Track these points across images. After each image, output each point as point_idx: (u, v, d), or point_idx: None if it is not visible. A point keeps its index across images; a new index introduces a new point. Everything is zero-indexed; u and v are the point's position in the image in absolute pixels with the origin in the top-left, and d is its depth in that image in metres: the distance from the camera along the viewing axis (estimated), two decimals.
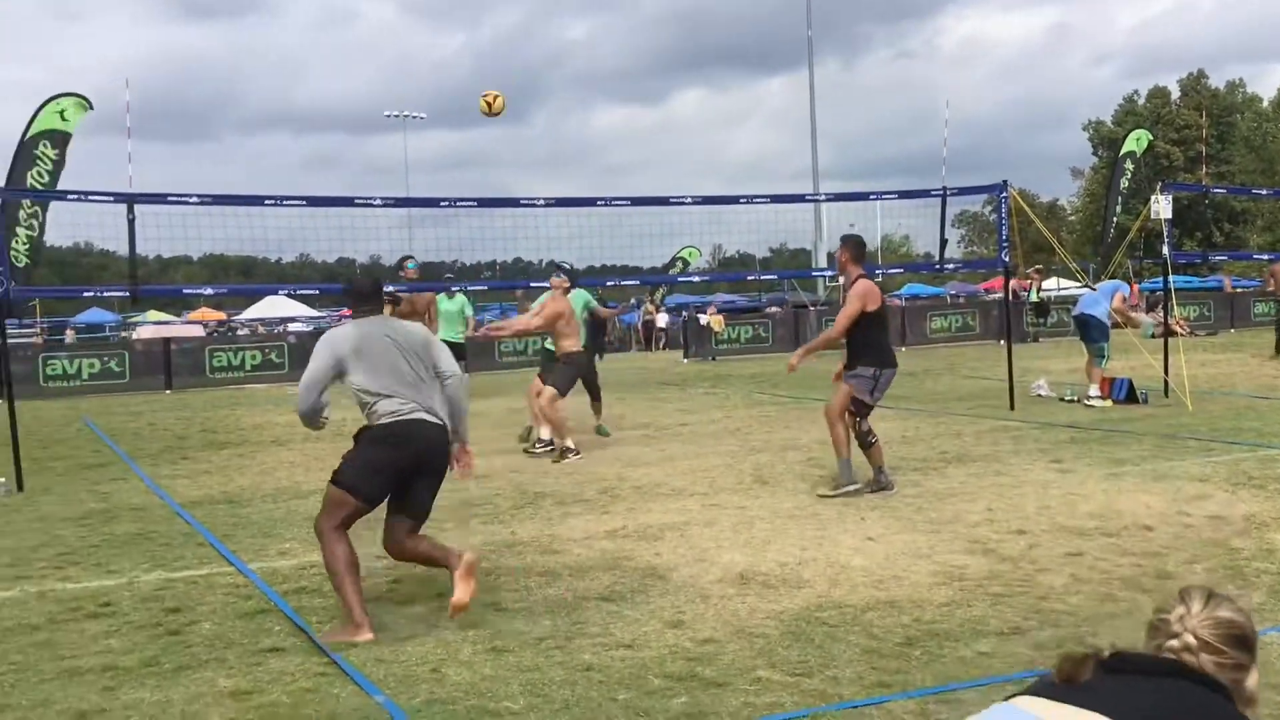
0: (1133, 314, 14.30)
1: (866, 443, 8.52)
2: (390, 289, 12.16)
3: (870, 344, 8.53)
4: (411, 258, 12.39)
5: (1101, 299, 14.21)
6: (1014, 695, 2.28)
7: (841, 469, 8.56)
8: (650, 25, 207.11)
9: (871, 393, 8.51)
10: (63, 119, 18.43)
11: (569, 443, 10.94)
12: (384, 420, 5.66)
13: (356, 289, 6.06)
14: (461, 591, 5.41)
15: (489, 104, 13.02)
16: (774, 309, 36.65)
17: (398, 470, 5.62)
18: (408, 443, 5.61)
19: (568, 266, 11.94)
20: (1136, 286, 15.08)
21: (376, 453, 5.65)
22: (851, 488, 8.42)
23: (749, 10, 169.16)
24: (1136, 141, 18.97)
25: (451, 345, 13.23)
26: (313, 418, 6.03)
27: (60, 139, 18.84)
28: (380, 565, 6.82)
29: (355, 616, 5.34)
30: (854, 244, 8.89)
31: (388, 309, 12.09)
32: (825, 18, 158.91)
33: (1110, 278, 15.17)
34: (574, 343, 11.50)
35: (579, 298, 12.42)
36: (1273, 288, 17.62)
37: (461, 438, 5.91)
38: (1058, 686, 2.27)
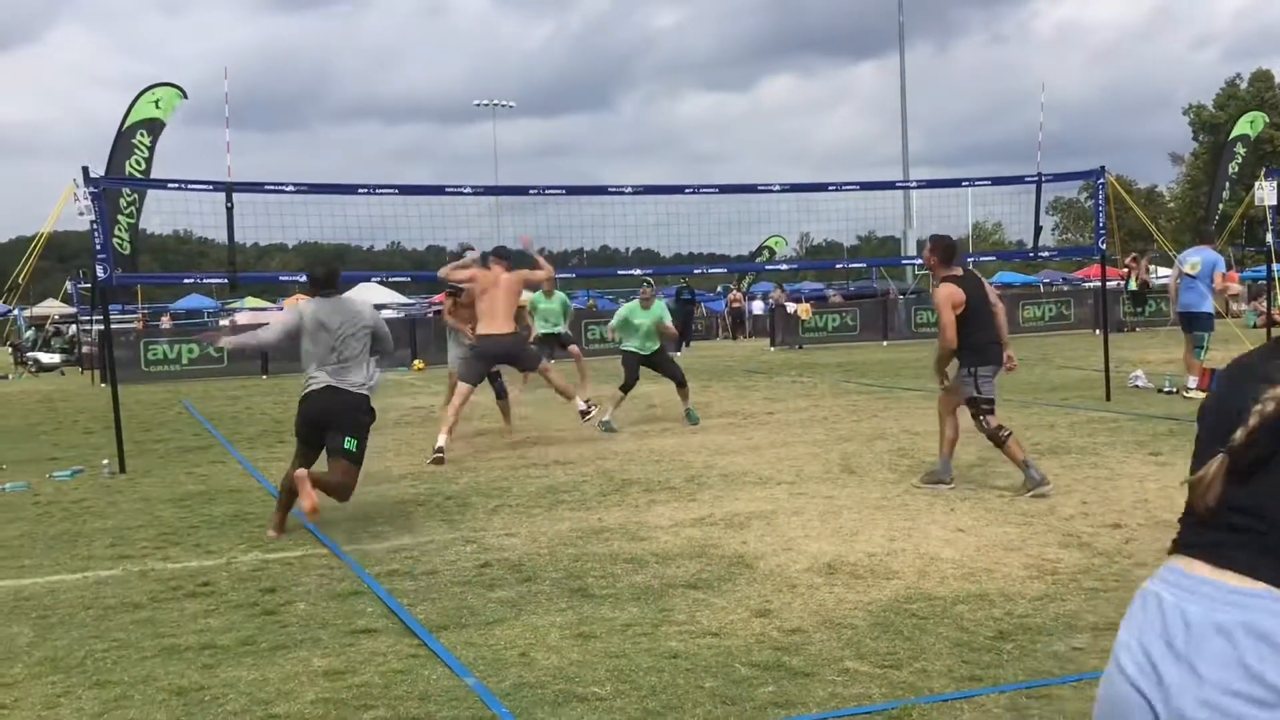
0: (1233, 287, 13.79)
1: (998, 439, 8.16)
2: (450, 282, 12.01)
3: (963, 345, 8.28)
4: (471, 247, 12.48)
5: (1203, 288, 13.77)
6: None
7: (940, 465, 8.46)
8: (739, 11, 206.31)
9: (976, 390, 8.27)
10: (157, 108, 18.88)
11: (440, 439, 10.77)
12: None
13: (312, 275, 8.09)
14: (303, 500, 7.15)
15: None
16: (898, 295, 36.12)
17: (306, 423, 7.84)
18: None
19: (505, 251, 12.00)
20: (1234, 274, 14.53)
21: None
22: (941, 486, 8.30)
23: None
24: (1250, 124, 18.33)
25: (652, 358, 13.48)
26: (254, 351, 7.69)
27: (156, 127, 19.29)
28: (469, 550, 6.90)
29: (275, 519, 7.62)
30: (941, 245, 8.60)
31: (448, 301, 12.34)
32: (918, 2, 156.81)
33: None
34: (495, 325, 11.26)
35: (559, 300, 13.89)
36: None
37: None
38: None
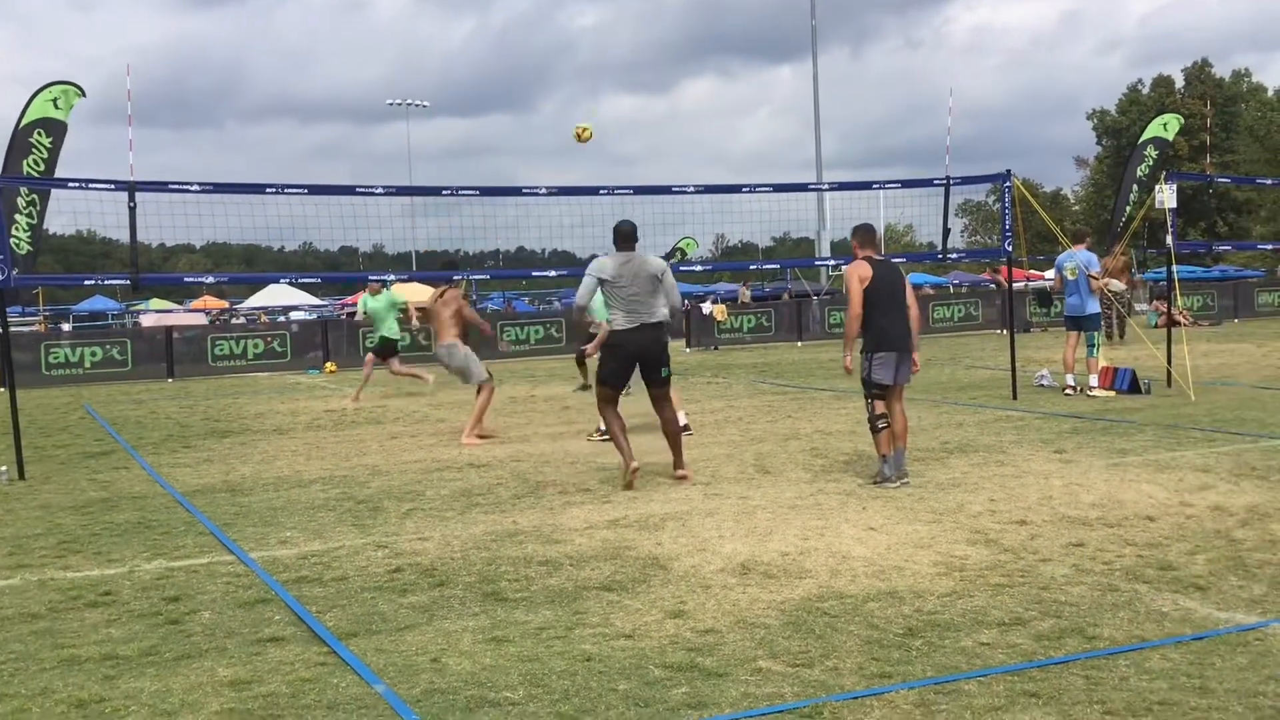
0: (1114, 284, 14.13)
1: (873, 426, 8.51)
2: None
3: (865, 329, 8.55)
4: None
5: (1086, 289, 14.05)
6: None
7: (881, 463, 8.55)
8: (661, 14, 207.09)
9: (866, 377, 8.52)
10: (55, 107, 18.36)
11: None
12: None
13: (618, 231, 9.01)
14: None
15: (580, 134, 12.99)
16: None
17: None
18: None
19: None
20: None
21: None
22: (892, 484, 8.36)
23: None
24: (1164, 126, 18.70)
25: (388, 341, 13.58)
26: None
27: (55, 127, 18.78)
28: (380, 555, 6.82)
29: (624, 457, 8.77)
30: (859, 228, 9.05)
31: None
32: (835, 6, 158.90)
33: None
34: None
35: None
36: None
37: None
38: None
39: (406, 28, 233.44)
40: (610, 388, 9.04)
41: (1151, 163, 18.29)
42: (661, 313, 8.82)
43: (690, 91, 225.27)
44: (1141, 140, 18.50)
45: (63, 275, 32.60)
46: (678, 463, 9.02)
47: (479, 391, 12.11)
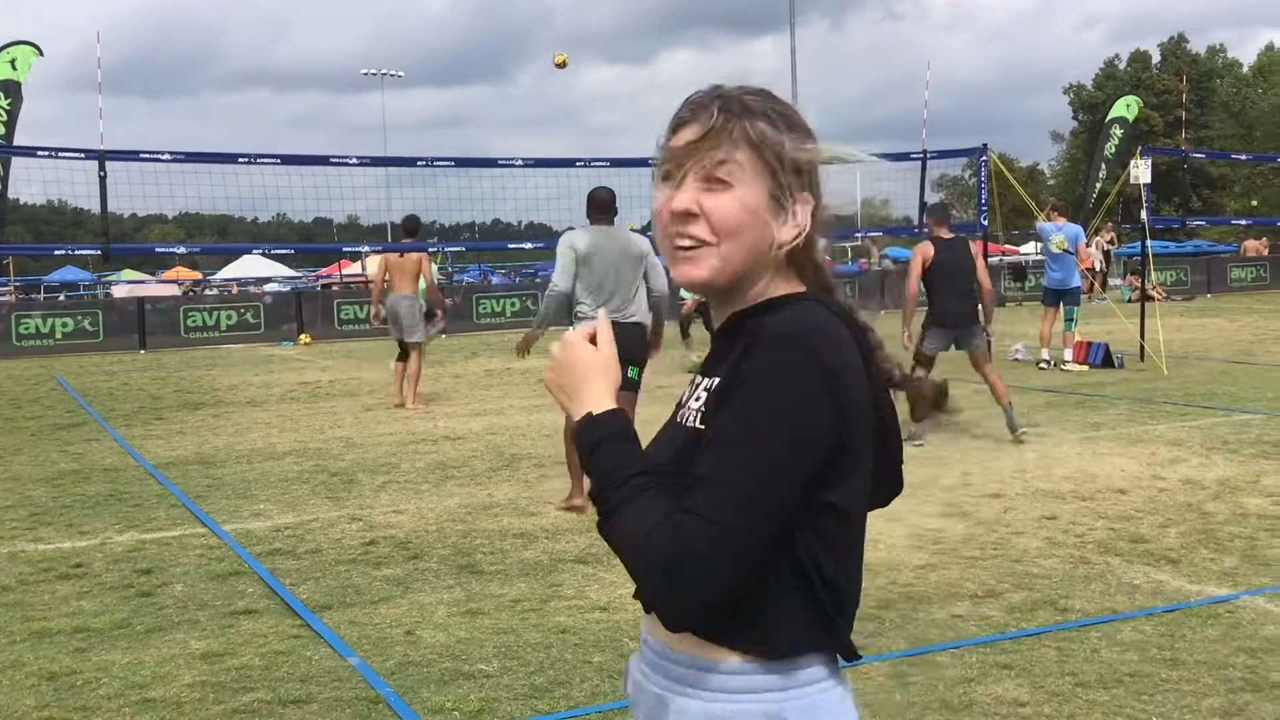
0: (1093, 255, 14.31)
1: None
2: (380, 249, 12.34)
3: (929, 303, 9.18)
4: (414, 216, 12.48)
5: (1072, 263, 14.13)
6: None
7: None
8: None
9: (917, 345, 9.10)
10: (13, 69, 18.08)
11: None
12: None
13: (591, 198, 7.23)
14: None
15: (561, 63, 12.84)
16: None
17: None
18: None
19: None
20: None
21: None
22: (1019, 430, 8.83)
23: None
24: (1126, 108, 18.89)
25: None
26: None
27: (12, 88, 18.49)
28: (354, 528, 6.79)
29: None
30: (934, 210, 9.69)
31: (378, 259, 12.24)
32: None
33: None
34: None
35: None
36: None
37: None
38: None
39: None
40: None
41: (1117, 142, 18.41)
42: (641, 310, 7.28)
43: (669, 63, 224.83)
44: (1108, 119, 18.65)
45: (31, 245, 32.25)
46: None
47: (409, 355, 12.16)
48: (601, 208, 7.24)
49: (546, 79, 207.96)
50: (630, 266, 7.05)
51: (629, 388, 7.29)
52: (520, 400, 12.86)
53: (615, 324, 6.78)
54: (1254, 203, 59.76)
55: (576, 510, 6.80)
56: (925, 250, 9.16)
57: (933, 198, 15.28)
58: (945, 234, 9.31)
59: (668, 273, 7.25)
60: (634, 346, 7.05)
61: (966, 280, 9.08)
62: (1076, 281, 14.17)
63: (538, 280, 34.59)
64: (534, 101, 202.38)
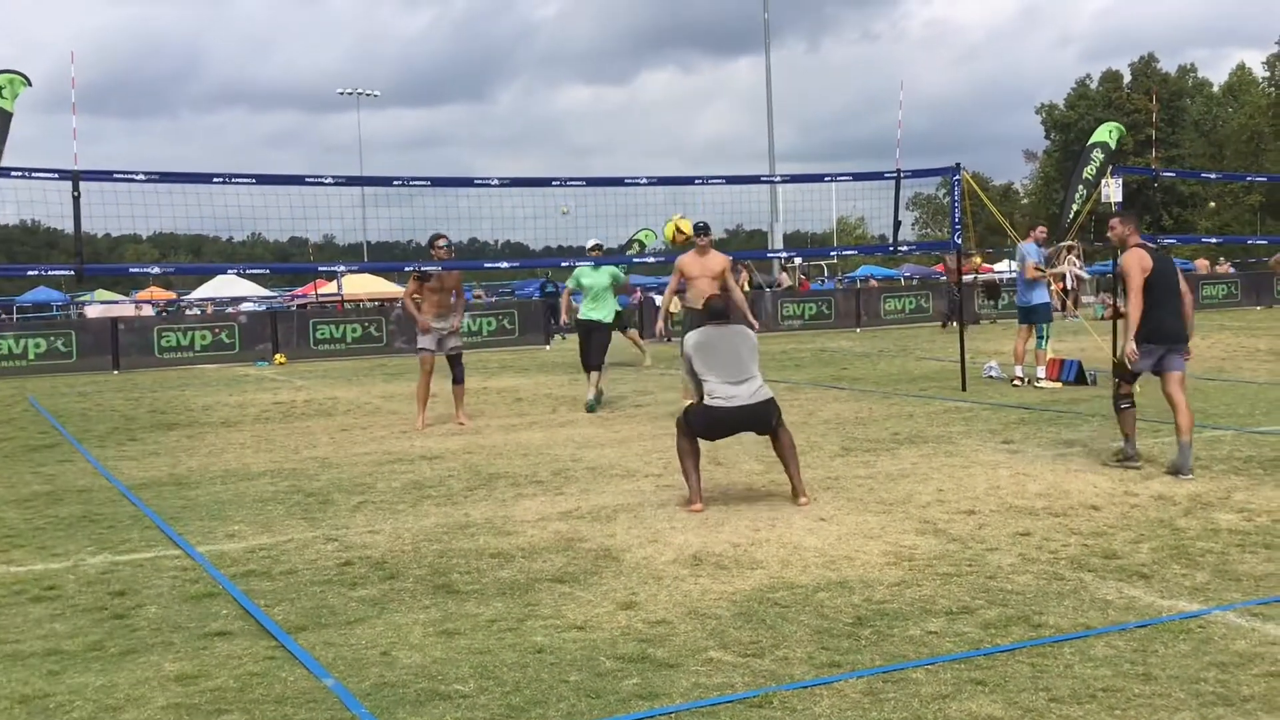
0: (1043, 271, 14.42)
1: (1117, 407, 8.62)
2: (421, 268, 12.25)
3: (1143, 316, 8.29)
4: (444, 236, 12.43)
5: (1035, 283, 14.29)
6: None
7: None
8: (622, 5, 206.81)
9: (1121, 360, 8.49)
10: (1, 96, 18.02)
11: None
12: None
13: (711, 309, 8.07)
14: None
15: (675, 233, 12.63)
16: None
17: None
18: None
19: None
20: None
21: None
22: (1135, 464, 8.42)
23: None
24: (1108, 133, 19.07)
25: (601, 326, 13.57)
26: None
27: (1, 117, 18.40)
28: (330, 548, 6.77)
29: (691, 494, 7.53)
30: (1128, 218, 8.78)
31: (413, 283, 12.21)
32: (793, 0, 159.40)
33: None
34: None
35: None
36: None
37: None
38: None
39: (366, 15, 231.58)
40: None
41: (1097, 166, 18.61)
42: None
43: (649, 83, 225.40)
44: (1090, 143, 18.81)
45: (6, 265, 32.01)
46: None
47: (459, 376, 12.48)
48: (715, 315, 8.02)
49: (526, 98, 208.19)
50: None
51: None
52: (497, 419, 12.85)
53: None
54: (1211, 203, 60.14)
55: (695, 511, 7.38)
56: (1145, 260, 8.33)
57: (906, 217, 15.41)
58: (1147, 243, 8.58)
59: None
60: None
61: (1179, 292, 8.43)
62: (1040, 299, 14.32)
63: (527, 295, 34.56)
64: (513, 121, 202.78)
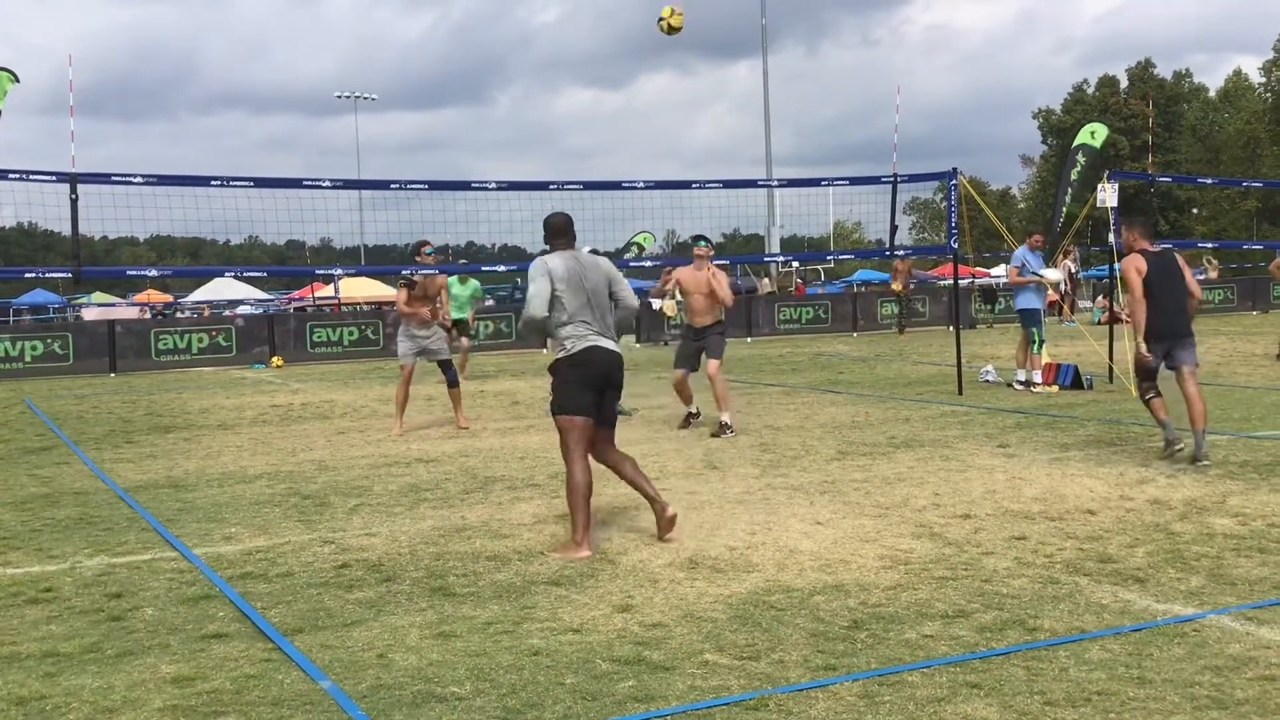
0: (1025, 278, 14.48)
1: (1145, 402, 9.06)
2: (405, 272, 12.35)
3: (1147, 316, 8.95)
4: (428, 243, 12.50)
5: (1031, 287, 14.35)
6: None
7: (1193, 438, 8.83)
8: (621, 9, 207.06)
9: (1143, 359, 8.98)
10: None
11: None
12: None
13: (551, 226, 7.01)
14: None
15: (670, 24, 12.31)
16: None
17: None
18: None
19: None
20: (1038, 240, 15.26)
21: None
22: (1177, 446, 8.79)
23: None
24: (1091, 135, 19.12)
25: (457, 322, 13.47)
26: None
27: None
28: (327, 551, 6.78)
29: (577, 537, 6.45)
30: (1136, 223, 9.36)
31: (403, 292, 12.23)
32: (792, 4, 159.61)
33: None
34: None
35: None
36: None
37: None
38: None
39: (365, 19, 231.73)
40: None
41: (1081, 168, 18.68)
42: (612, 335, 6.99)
43: (648, 87, 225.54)
44: (1074, 145, 18.88)
45: (3, 268, 31.98)
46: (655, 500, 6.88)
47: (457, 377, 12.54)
48: (559, 232, 6.98)
49: (524, 101, 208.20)
50: (604, 288, 6.86)
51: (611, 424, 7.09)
52: (494, 423, 12.85)
53: (599, 348, 6.65)
54: (1194, 209, 59.90)
55: (580, 560, 6.33)
56: (1139, 264, 9.00)
57: (903, 221, 15.48)
58: (1149, 246, 9.19)
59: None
60: (617, 374, 6.86)
61: (1180, 290, 9.03)
62: (1023, 304, 14.39)
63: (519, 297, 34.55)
64: (511, 124, 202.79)
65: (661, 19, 11.94)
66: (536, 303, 6.64)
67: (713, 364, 11.24)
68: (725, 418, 11.09)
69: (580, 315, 6.66)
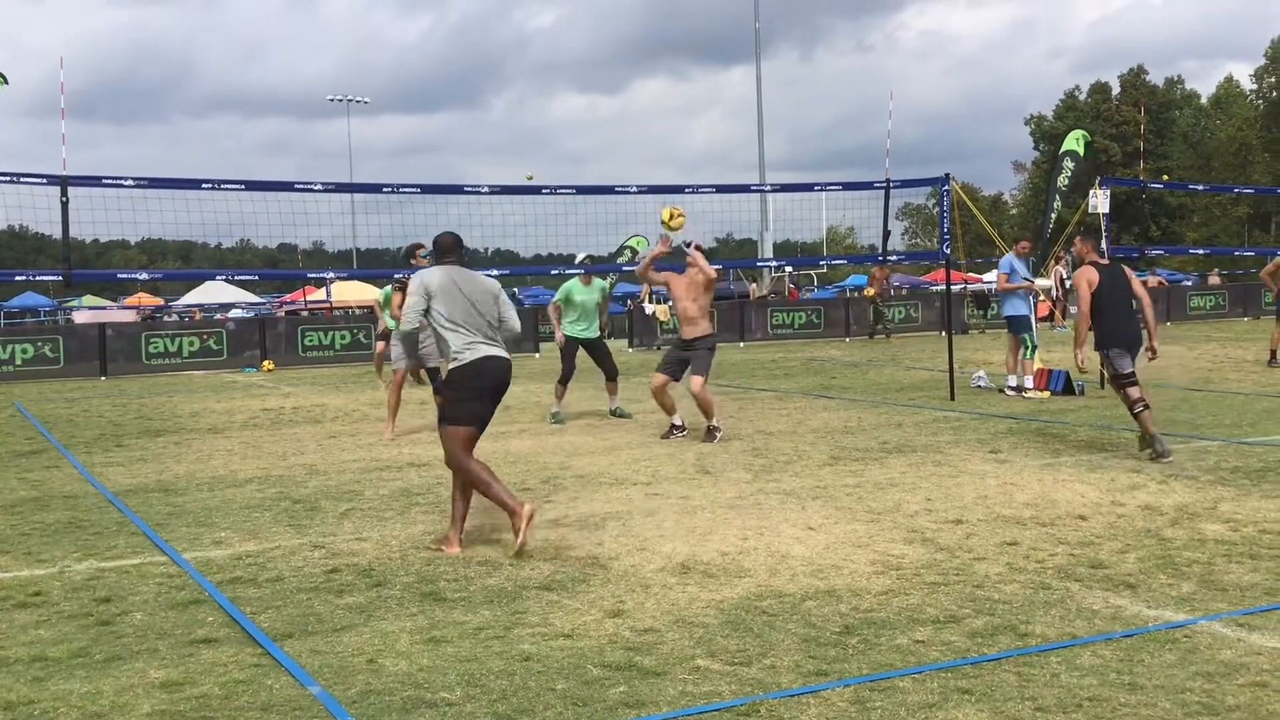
0: (1015, 284, 14.52)
1: (1131, 410, 9.34)
2: (398, 276, 12.28)
3: (1099, 326, 9.54)
4: (422, 245, 12.43)
5: (1019, 293, 14.42)
6: None
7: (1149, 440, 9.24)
8: (616, 14, 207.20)
9: (1112, 368, 9.50)
10: None
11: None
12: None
13: (439, 243, 7.16)
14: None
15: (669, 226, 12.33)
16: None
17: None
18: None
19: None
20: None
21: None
22: (1168, 457, 9.07)
23: (714, 1, 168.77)
24: (1076, 141, 19.21)
25: (591, 344, 13.27)
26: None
27: None
28: (317, 555, 6.75)
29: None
30: (1088, 235, 10.00)
31: (398, 296, 12.17)
32: (787, 9, 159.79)
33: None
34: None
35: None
36: (1275, 289, 17.80)
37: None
38: None
39: (361, 23, 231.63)
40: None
41: (1068, 174, 18.75)
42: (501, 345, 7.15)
43: (642, 91, 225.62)
44: (1061, 152, 18.98)
45: None
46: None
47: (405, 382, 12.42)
48: (447, 250, 7.12)
49: (520, 106, 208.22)
50: (488, 301, 7.00)
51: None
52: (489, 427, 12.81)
53: (492, 357, 6.85)
54: (1165, 175, 59.73)
55: (446, 550, 6.67)
56: (1090, 275, 9.53)
57: (895, 226, 15.53)
58: (1100, 259, 9.80)
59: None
60: (506, 382, 7.11)
61: (1130, 300, 9.59)
62: (1010, 310, 14.43)
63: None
64: (506, 128, 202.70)
65: (663, 221, 11.92)
66: (409, 316, 6.90)
67: (695, 381, 10.92)
68: (714, 421, 11.05)
69: (466, 324, 6.84)
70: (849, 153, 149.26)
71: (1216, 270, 40.75)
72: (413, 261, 12.34)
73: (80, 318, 40.53)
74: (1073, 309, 32.15)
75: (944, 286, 19.65)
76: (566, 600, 5.63)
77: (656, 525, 7.26)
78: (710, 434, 10.98)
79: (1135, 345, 9.48)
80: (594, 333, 13.32)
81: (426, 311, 6.85)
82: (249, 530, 7.55)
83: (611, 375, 13.36)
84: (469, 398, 6.83)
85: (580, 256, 13.93)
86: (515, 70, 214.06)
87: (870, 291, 30.21)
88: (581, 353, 13.38)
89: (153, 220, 12.79)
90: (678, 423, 11.34)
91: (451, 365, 6.88)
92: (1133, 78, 74.33)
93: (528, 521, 6.59)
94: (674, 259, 11.73)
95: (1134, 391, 9.26)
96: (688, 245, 11.38)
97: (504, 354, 6.98)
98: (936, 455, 9.74)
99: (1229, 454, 9.44)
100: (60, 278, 11.86)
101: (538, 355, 26.74)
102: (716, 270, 11.64)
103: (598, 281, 13.44)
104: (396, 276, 12.55)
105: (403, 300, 12.16)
